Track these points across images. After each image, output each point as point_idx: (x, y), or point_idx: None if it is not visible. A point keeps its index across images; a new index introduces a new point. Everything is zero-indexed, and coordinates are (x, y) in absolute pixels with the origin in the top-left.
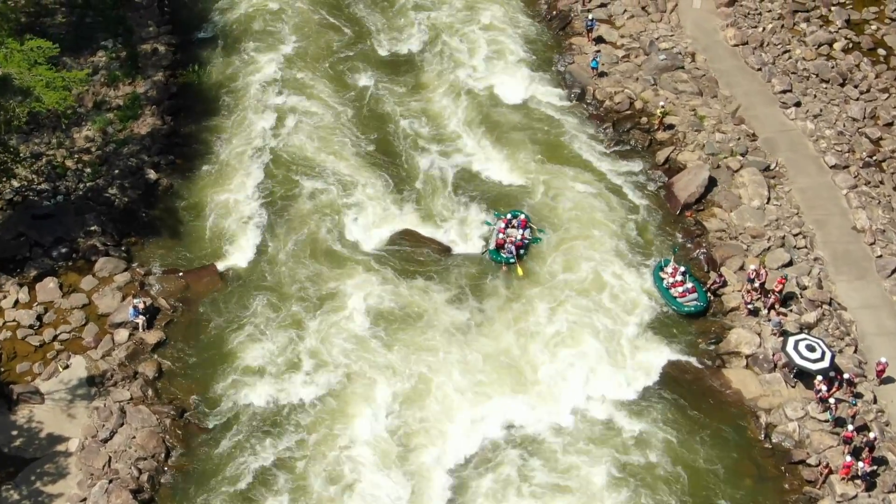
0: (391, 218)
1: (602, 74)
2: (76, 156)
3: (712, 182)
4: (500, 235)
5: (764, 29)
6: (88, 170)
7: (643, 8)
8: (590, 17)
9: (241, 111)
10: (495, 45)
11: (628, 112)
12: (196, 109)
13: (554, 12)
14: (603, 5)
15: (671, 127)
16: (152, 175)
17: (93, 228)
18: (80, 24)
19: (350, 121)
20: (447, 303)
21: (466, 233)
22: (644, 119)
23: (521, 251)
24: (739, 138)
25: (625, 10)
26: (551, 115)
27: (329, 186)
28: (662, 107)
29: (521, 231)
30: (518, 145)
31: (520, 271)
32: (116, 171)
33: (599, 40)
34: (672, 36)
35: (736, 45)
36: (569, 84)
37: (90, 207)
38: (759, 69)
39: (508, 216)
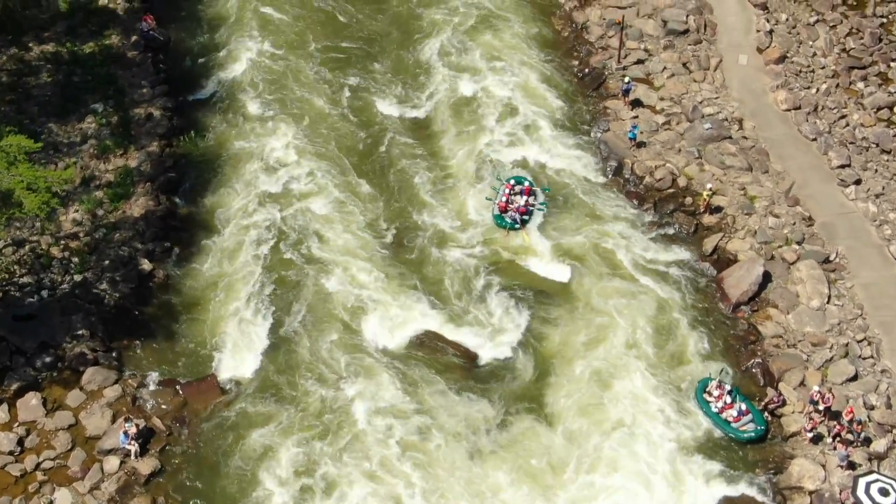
0: (411, 316)
1: (640, 144)
2: (62, 242)
3: (766, 277)
4: (503, 199)
5: (818, 90)
6: (76, 259)
7: (684, 65)
8: (626, 79)
9: (244, 187)
10: (520, 107)
11: (671, 190)
12: (194, 185)
13: (586, 69)
14: (640, 62)
15: (719, 209)
16: (146, 265)
17: (80, 332)
18: (67, 83)
19: (363, 197)
20: (470, 420)
21: (494, 334)
22: (688, 199)
23: (525, 217)
24: (795, 223)
25: (664, 68)
26: (585, 193)
27: (342, 279)
28: (710, 189)
29: (524, 198)
30: (548, 227)
31: (526, 238)
32: (107, 262)
33: (637, 103)
34: (717, 98)
35: (787, 110)
36: (604, 155)
37: (78, 306)
38: (814, 139)
39: (512, 182)
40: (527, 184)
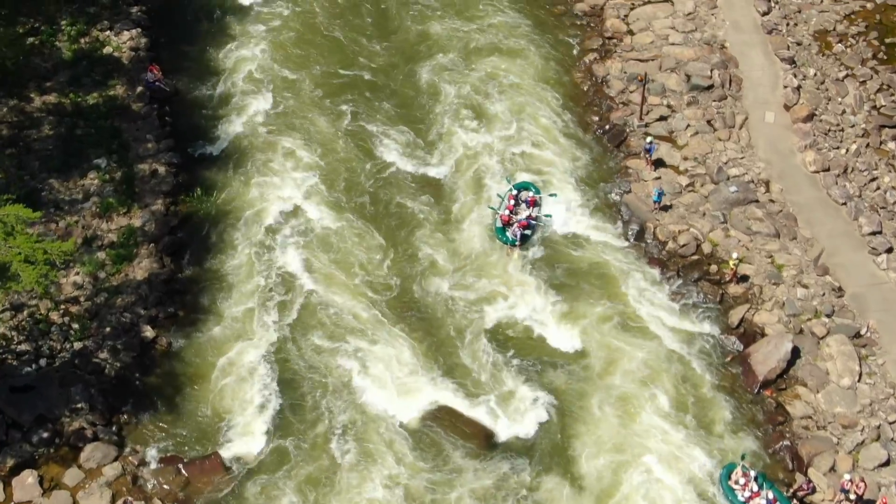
0: (423, 389)
1: (664, 207)
2: (62, 307)
3: (795, 352)
4: (507, 212)
5: (847, 151)
6: (76, 326)
7: (709, 122)
8: (649, 139)
9: (251, 248)
10: (536, 163)
11: (695, 257)
12: (199, 246)
13: (607, 125)
14: (662, 119)
15: (745, 279)
16: (149, 333)
17: (79, 405)
18: (69, 136)
19: (374, 255)
20: (488, 486)
21: (511, 412)
22: (713, 267)
23: (526, 231)
24: (824, 294)
25: (688, 126)
26: (605, 258)
27: (354, 349)
28: (737, 258)
29: (528, 210)
30: (567, 296)
31: (515, 257)
32: (108, 329)
33: (659, 163)
34: (742, 159)
35: (816, 172)
36: (625, 218)
37: (77, 376)
38: (844, 203)
39: (515, 192)
40: (532, 193)
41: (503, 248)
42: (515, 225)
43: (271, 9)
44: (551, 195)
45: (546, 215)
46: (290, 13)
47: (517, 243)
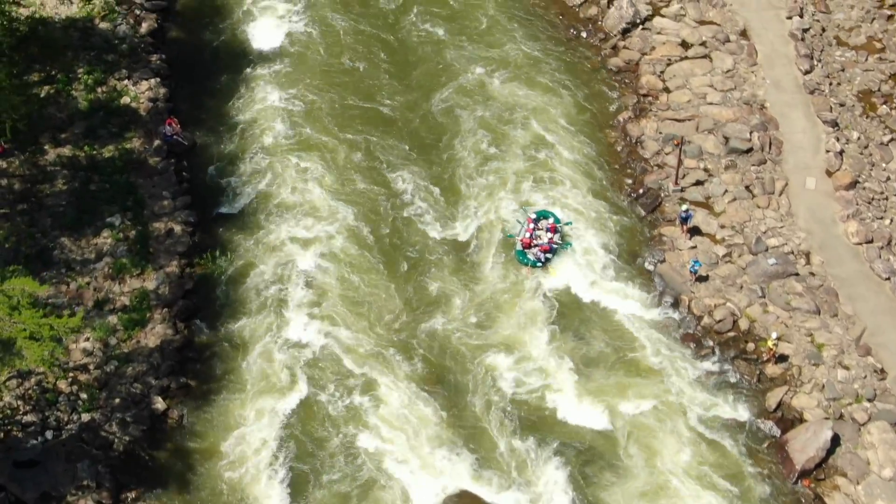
0: (443, 470)
1: (700, 279)
2: (71, 375)
3: (835, 440)
4: (527, 234)
5: (892, 221)
6: (84, 396)
7: (747, 188)
8: (685, 207)
9: (269, 313)
10: (564, 227)
11: (731, 334)
12: (214, 311)
13: (640, 190)
14: (699, 183)
15: (784, 358)
16: (160, 405)
17: (85, 483)
18: (83, 192)
19: (394, 321)
20: None
21: (535, 496)
22: (750, 345)
23: (548, 255)
24: (866, 376)
25: (725, 191)
26: (636, 331)
27: (373, 418)
28: (775, 339)
29: (548, 234)
30: (595, 372)
31: (552, 272)
32: (117, 400)
33: (695, 231)
34: (782, 228)
35: (859, 244)
36: (658, 289)
37: (84, 451)
38: (888, 278)
39: (533, 216)
40: (552, 220)
41: (527, 292)
42: (537, 248)
43: (292, 56)
44: (567, 224)
45: (567, 244)
46: (311, 60)
47: (539, 265)
